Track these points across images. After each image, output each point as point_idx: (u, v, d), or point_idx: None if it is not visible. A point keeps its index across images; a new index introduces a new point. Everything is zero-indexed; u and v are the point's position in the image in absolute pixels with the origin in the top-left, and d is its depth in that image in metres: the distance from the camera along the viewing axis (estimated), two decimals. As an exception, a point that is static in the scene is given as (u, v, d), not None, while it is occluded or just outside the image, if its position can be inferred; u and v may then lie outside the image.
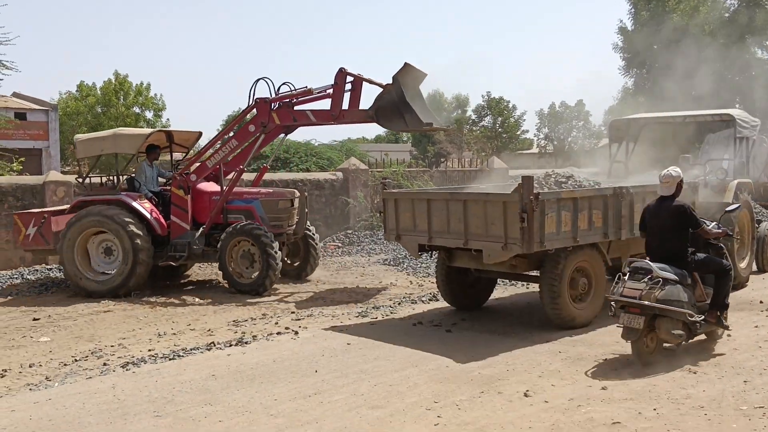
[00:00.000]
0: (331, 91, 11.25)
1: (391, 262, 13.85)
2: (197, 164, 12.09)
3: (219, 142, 12.49)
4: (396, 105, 10.58)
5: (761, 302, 9.46)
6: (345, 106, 11.13)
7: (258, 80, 11.73)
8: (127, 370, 6.99)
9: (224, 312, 9.80)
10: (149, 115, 38.97)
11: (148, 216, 11.45)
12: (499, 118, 59.91)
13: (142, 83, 38.05)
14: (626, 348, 7.26)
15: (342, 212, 17.87)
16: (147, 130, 12.53)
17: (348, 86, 11.12)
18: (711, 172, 10.94)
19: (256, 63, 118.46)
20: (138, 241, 11.03)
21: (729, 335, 7.62)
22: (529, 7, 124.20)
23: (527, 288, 10.79)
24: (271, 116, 11.50)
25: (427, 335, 8.08)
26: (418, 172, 21.51)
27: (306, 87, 11.54)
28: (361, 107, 11.15)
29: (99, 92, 37.25)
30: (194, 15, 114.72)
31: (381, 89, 10.86)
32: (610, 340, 7.60)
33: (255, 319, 9.25)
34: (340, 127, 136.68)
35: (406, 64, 10.72)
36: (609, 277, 10.30)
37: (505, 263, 8.07)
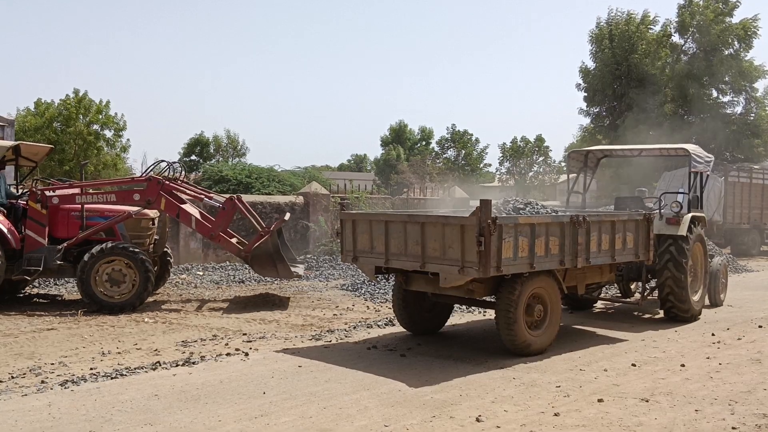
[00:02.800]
0: (220, 207, 12.10)
1: (349, 287, 13.70)
2: (65, 191, 11.86)
3: (97, 188, 12.73)
4: (270, 254, 11.71)
5: (713, 334, 9.55)
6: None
7: (160, 161, 12.62)
8: (65, 388, 6.68)
9: (173, 332, 9.51)
10: (109, 134, 38.33)
11: (3, 229, 11.15)
12: (462, 151, 60.59)
13: (101, 101, 37.48)
14: (580, 375, 7.24)
15: (302, 236, 17.71)
16: (5, 142, 12.05)
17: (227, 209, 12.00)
18: (666, 205, 11.09)
19: (220, 86, 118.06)
20: None
21: (683, 365, 7.67)
22: (496, 43, 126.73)
23: (484, 315, 10.75)
24: (159, 199, 11.77)
25: (381, 359, 7.93)
26: (380, 199, 21.49)
27: (204, 192, 12.69)
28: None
29: (57, 109, 36.54)
30: (158, 36, 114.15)
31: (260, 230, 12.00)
32: (564, 368, 7.57)
33: (205, 340, 8.99)
34: (305, 153, 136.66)
35: (283, 219, 12.51)
36: (564, 306, 10.40)
37: (461, 288, 8.01)
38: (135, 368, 7.39)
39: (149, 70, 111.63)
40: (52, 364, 7.67)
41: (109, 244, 11.19)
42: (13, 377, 7.09)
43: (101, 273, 11.09)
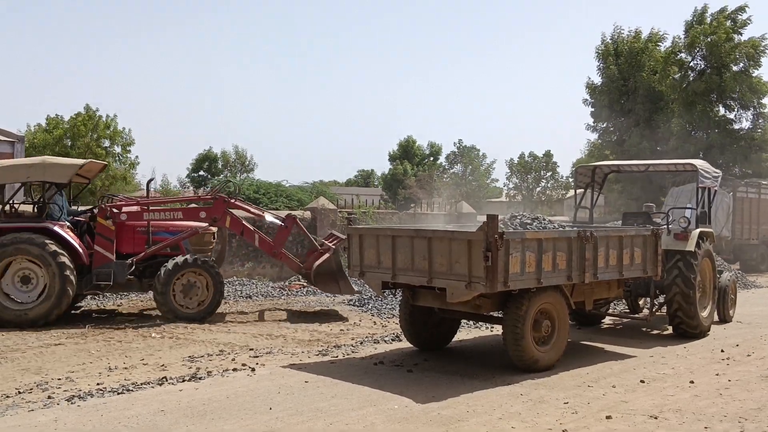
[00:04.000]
0: (282, 224, 12.66)
1: (356, 303, 13.67)
2: (133, 207, 12.19)
3: (167, 204, 13.02)
4: (333, 271, 12.21)
5: (722, 351, 9.48)
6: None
7: (227, 181, 12.71)
8: (72, 403, 6.67)
9: (180, 347, 9.50)
10: (118, 149, 38.52)
11: (76, 246, 11.37)
12: (470, 166, 60.61)
13: (109, 116, 37.74)
14: (588, 392, 7.19)
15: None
16: (77, 161, 12.32)
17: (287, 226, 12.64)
18: (674, 220, 11.06)
19: (228, 101, 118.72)
20: (67, 272, 10.94)
21: (692, 382, 7.61)
22: (504, 58, 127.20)
23: (491, 330, 10.71)
24: (224, 217, 12.23)
25: (388, 375, 7.90)
26: (387, 213, 21.50)
27: (260, 210, 13.21)
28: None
29: (67, 125, 36.82)
30: (166, 53, 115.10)
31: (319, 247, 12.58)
32: (572, 384, 7.52)
33: (212, 355, 8.98)
34: (313, 168, 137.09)
35: (342, 238, 12.27)
36: (572, 322, 10.35)
37: (468, 303, 7.98)
38: (141, 383, 7.39)
39: (158, 86, 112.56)
40: (59, 379, 7.67)
41: (187, 258, 11.61)
42: (20, 392, 7.09)
43: (177, 285, 11.51)
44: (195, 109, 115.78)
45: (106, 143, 37.66)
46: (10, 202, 12.01)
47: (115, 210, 11.89)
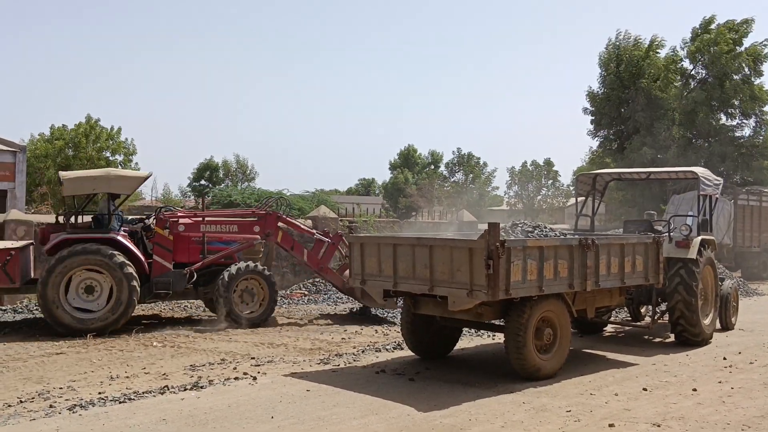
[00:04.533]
0: (327, 241, 13.25)
1: (357, 311, 13.65)
2: (190, 219, 12.80)
3: (221, 216, 13.63)
4: None
5: (725, 358, 9.46)
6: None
7: (280, 197, 14.61)
8: (73, 412, 6.66)
9: (182, 356, 9.50)
10: (119, 158, 38.60)
11: (139, 255, 11.69)
12: (470, 175, 60.67)
13: (112, 127, 37.85)
14: (590, 400, 7.18)
15: (310, 260, 17.68)
16: (141, 173, 12.73)
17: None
18: (675, 228, 11.06)
19: (229, 110, 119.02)
20: (134, 282, 11.22)
21: (695, 390, 7.60)
22: (504, 66, 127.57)
23: (493, 339, 10.69)
24: (276, 232, 12.99)
25: (390, 383, 7.88)
26: (388, 222, 21.52)
27: (308, 228, 14.14)
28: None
29: (69, 134, 36.93)
30: (167, 62, 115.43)
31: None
32: (574, 392, 7.51)
33: (213, 364, 8.97)
34: (313, 177, 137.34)
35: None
36: (574, 330, 10.34)
37: (470, 311, 7.97)
38: (143, 392, 7.38)
39: (159, 95, 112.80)
40: (61, 388, 7.67)
41: (248, 265, 12.13)
42: (21, 401, 7.09)
43: (237, 291, 12.00)
44: (196, 118, 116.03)
45: (108, 154, 37.77)
46: (71, 212, 12.26)
47: (173, 221, 12.43)
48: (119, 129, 38.01)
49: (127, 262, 11.25)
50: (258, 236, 12.85)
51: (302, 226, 14.01)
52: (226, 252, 12.52)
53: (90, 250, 11.09)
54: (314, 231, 13.85)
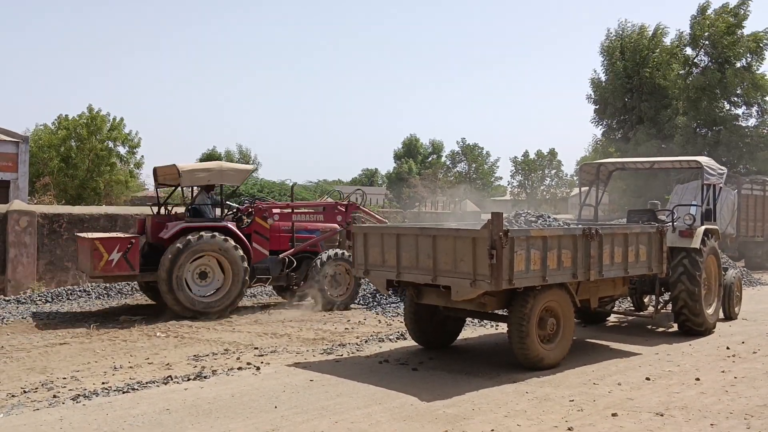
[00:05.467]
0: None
1: (361, 301, 13.66)
2: (281, 210, 13.89)
3: (308, 208, 14.95)
4: None
5: (728, 348, 9.45)
6: None
7: (358, 189, 15.35)
8: (77, 402, 6.68)
9: (185, 346, 9.51)
10: (123, 150, 38.59)
11: (247, 243, 12.48)
12: (473, 165, 60.58)
13: (116, 118, 37.78)
14: (593, 389, 7.17)
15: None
16: (249, 166, 13.66)
17: None
18: (679, 217, 11.02)
19: (232, 101, 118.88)
20: (246, 268, 12.12)
21: (698, 379, 7.59)
22: (507, 55, 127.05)
23: (496, 329, 10.69)
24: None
25: (393, 373, 7.89)
26: (391, 212, 21.50)
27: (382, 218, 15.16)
28: None
29: (71, 126, 36.85)
30: (171, 52, 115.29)
31: None
32: (577, 382, 7.51)
33: (216, 354, 8.98)
34: (317, 167, 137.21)
35: None
36: (577, 320, 10.33)
37: (473, 301, 7.96)
38: (146, 382, 7.39)
39: (162, 86, 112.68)
40: (64, 378, 7.69)
41: (337, 252, 13.09)
42: (25, 392, 7.10)
43: (327, 277, 12.90)
44: (199, 109, 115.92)
45: (111, 144, 37.74)
46: (167, 203, 13.51)
47: (273, 211, 13.49)
48: (122, 119, 37.97)
49: (239, 249, 12.10)
50: (340, 225, 13.90)
51: (377, 216, 14.98)
52: (313, 240, 13.50)
53: (212, 238, 11.91)
54: (386, 221, 14.87)
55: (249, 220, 13.09)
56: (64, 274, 15.18)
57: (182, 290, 11.68)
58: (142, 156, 40.13)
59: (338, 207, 14.29)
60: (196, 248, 11.76)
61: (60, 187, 34.49)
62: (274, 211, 13.61)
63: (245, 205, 13.78)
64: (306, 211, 14.38)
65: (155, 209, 13.23)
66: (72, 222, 15.36)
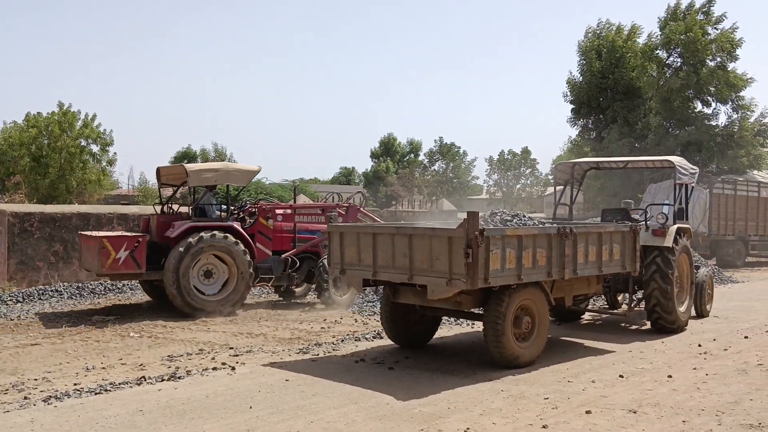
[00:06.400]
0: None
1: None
2: (284, 210, 14.08)
3: (310, 209, 15.30)
4: None
5: (699, 345, 9.58)
6: None
7: (358, 192, 15.80)
8: (48, 404, 6.58)
9: (159, 347, 9.42)
10: (95, 148, 38.06)
11: (251, 243, 12.65)
12: (451, 164, 60.77)
13: (87, 115, 37.24)
14: (568, 387, 7.23)
15: (289, 249, 17.65)
16: (254, 167, 13.46)
17: None
18: (652, 216, 11.15)
19: (207, 99, 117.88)
20: (251, 268, 12.31)
21: (670, 376, 7.68)
22: (484, 54, 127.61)
23: (472, 327, 10.73)
24: (356, 222, 13.80)
25: (369, 372, 7.88)
26: (369, 211, 21.47)
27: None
28: None
29: (42, 123, 36.25)
30: (145, 50, 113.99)
31: None
32: (552, 379, 7.56)
33: (191, 354, 8.91)
34: (293, 165, 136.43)
35: None
36: (552, 318, 10.41)
37: (449, 300, 7.98)
38: (120, 383, 7.30)
39: (136, 83, 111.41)
40: (35, 379, 7.57)
41: None
42: (-5, 393, 6.98)
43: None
44: (174, 107, 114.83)
45: (84, 142, 37.22)
46: (169, 204, 13.56)
47: (276, 212, 13.69)
48: (94, 116, 37.45)
49: (245, 249, 12.29)
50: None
51: (376, 218, 15.08)
52: (315, 241, 13.62)
53: (219, 237, 12.11)
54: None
55: (252, 221, 13.26)
56: (36, 273, 14.95)
57: (188, 289, 11.84)
58: (115, 153, 39.58)
59: (339, 208, 14.47)
60: (202, 247, 11.95)
61: (31, 186, 33.95)
62: (277, 211, 13.82)
63: (248, 205, 14.08)
64: (310, 212, 14.71)
65: (158, 209, 13.44)
66: (44, 221, 15.13)
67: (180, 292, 11.78)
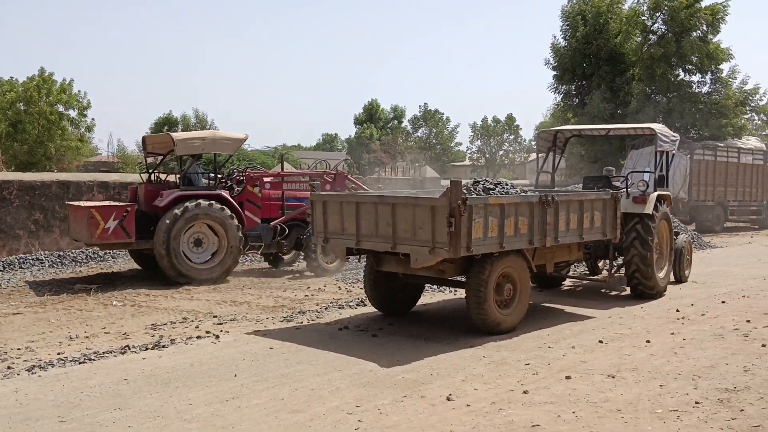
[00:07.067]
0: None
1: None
2: (274, 178, 14.10)
3: (298, 176, 15.05)
4: None
5: (678, 310, 9.75)
6: None
7: (346, 159, 16.19)
8: (32, 374, 6.59)
9: (142, 315, 9.42)
10: (73, 113, 37.47)
11: (240, 211, 12.70)
12: (434, 130, 60.62)
13: (65, 80, 36.58)
14: (548, 353, 7.36)
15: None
16: (240, 135, 13.32)
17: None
18: (633, 184, 11.24)
19: (188, 64, 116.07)
20: (240, 236, 12.36)
21: (648, 341, 7.83)
22: (467, 20, 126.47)
23: (454, 294, 10.83)
24: (344, 190, 13.92)
25: (353, 340, 7.96)
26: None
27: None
28: None
29: (21, 88, 35.59)
30: (124, 15, 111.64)
31: None
32: (533, 345, 7.68)
33: (175, 323, 8.93)
34: (275, 132, 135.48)
35: None
36: (534, 284, 10.54)
37: (432, 268, 8.04)
38: (103, 352, 7.32)
39: (115, 49, 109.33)
40: (19, 349, 7.56)
41: None
42: (-22, 364, 6.97)
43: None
44: (153, 72, 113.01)
45: (61, 108, 36.63)
46: (155, 172, 13.53)
47: (264, 180, 13.67)
48: (71, 81, 36.80)
49: (234, 216, 12.32)
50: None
51: (363, 186, 15.26)
52: (303, 208, 13.53)
53: (209, 206, 12.12)
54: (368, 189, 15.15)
55: (239, 189, 13.31)
56: (16, 242, 14.82)
57: (179, 257, 11.87)
58: (93, 119, 39.03)
59: (326, 176, 14.47)
60: (192, 216, 11.96)
61: (9, 153, 33.44)
62: (265, 179, 13.80)
63: (235, 174, 14.06)
64: (299, 180, 14.62)
65: (144, 177, 13.38)
66: (23, 189, 14.95)
67: (171, 261, 11.82)
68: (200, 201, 12.10)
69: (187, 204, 11.96)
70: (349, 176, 15.05)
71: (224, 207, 12.30)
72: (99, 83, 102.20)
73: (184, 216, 11.90)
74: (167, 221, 11.82)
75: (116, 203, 12.62)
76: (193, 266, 12.05)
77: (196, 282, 11.87)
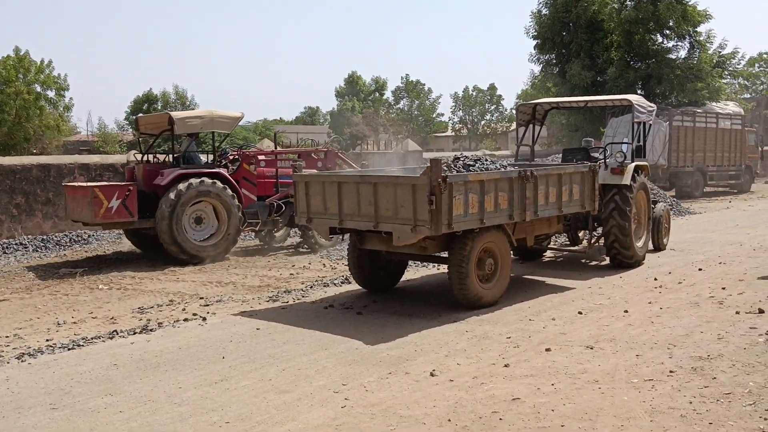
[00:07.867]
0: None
1: (305, 246, 13.78)
2: (268, 156, 14.36)
3: (289, 155, 15.23)
4: None
5: (655, 279, 9.96)
6: None
7: (335, 137, 15.56)
8: (22, 361, 6.67)
9: (129, 298, 9.50)
10: (51, 94, 36.89)
11: (239, 189, 12.88)
12: (416, 102, 60.43)
13: (43, 61, 35.97)
14: (529, 326, 7.54)
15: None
16: (237, 113, 13.48)
17: None
18: (611, 155, 11.40)
19: (167, 40, 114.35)
20: (240, 213, 12.63)
21: (626, 311, 8.03)
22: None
23: (438, 269, 10.98)
24: (335, 167, 14.46)
25: (338, 318, 8.10)
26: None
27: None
28: None
29: (-3, 68, 34.91)
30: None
31: None
32: (514, 318, 7.85)
33: (161, 305, 9.02)
34: (256, 107, 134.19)
35: None
36: (515, 257, 10.71)
37: (414, 245, 8.17)
38: (92, 338, 7.40)
39: (92, 25, 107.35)
40: (7, 337, 7.63)
41: None
42: (-33, 353, 7.03)
43: None
44: (131, 49, 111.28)
45: (39, 88, 36.05)
46: (150, 152, 13.69)
47: (258, 158, 13.93)
48: (50, 62, 36.18)
49: (233, 194, 12.55)
50: (320, 171, 14.07)
51: (352, 164, 15.45)
52: None
53: (210, 183, 12.32)
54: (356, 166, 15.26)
55: (235, 167, 13.47)
56: (-2, 227, 14.77)
57: (181, 235, 12.05)
58: (71, 99, 38.41)
59: (317, 153, 14.85)
60: (194, 193, 12.14)
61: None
62: (259, 157, 14.05)
63: (230, 152, 14.29)
64: (291, 158, 14.78)
65: (140, 157, 13.51)
66: (3, 173, 14.87)
67: (172, 238, 11.97)
68: (203, 179, 12.30)
69: (192, 180, 12.16)
70: (339, 154, 15.31)
71: (225, 185, 12.50)
72: (76, 60, 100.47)
73: (187, 193, 12.08)
74: (170, 199, 11.97)
75: (118, 183, 12.79)
76: (195, 244, 12.26)
77: (198, 260, 12.09)
